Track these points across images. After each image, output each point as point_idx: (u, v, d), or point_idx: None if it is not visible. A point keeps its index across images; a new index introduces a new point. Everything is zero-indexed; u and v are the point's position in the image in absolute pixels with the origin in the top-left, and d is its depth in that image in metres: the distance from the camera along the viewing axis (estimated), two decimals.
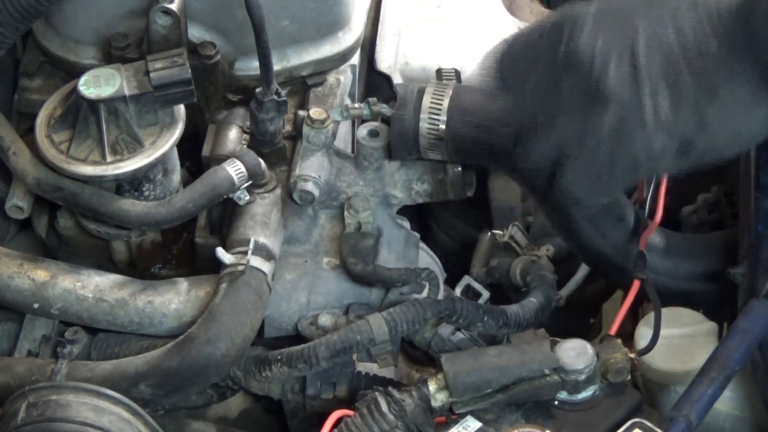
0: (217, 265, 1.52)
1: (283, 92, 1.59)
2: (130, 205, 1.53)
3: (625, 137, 1.32)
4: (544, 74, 1.35)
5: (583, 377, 1.38)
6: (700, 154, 1.32)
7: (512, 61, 1.39)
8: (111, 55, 1.64)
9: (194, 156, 1.66)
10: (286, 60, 1.70)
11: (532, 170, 1.39)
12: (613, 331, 1.47)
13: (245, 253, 1.50)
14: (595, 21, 1.33)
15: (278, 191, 1.60)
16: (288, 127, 1.66)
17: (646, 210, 1.57)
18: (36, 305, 1.52)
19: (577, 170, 1.35)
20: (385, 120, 1.63)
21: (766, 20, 1.27)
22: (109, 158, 1.52)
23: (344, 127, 1.74)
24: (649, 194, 1.60)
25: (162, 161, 1.54)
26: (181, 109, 1.56)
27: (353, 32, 1.76)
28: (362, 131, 1.64)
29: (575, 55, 1.32)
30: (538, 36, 1.37)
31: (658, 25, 1.30)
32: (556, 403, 1.40)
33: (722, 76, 1.28)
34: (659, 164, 1.34)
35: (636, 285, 1.49)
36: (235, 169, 1.54)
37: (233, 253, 1.51)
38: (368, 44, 1.86)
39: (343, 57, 1.76)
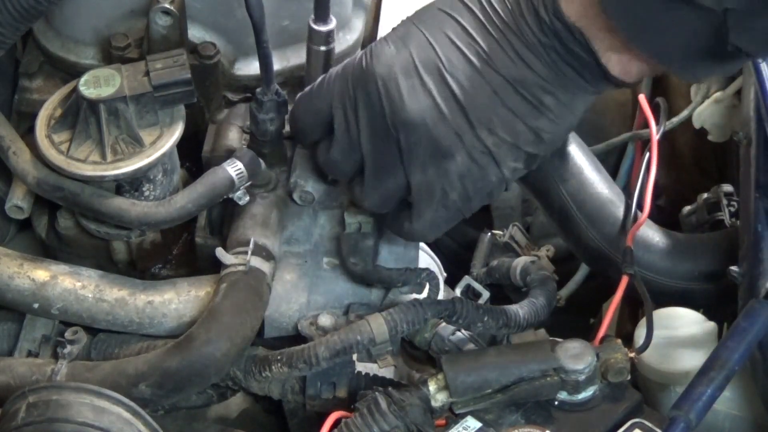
0: (217, 265, 1.52)
1: (283, 92, 1.59)
2: (130, 205, 1.53)
3: (477, 176, 1.37)
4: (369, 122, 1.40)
5: (583, 377, 1.38)
6: (543, 156, 1.40)
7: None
8: (111, 55, 1.63)
9: (194, 156, 1.66)
10: (286, 60, 1.69)
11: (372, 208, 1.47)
12: (604, 327, 1.46)
13: (245, 253, 1.50)
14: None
15: (278, 191, 1.60)
16: (288, 127, 1.66)
17: (634, 205, 1.57)
18: (36, 305, 1.52)
19: (429, 215, 1.42)
20: None
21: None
22: (109, 158, 1.52)
23: None
24: (637, 190, 1.60)
25: (162, 161, 1.54)
26: (181, 109, 1.56)
27: (353, 32, 1.76)
28: None
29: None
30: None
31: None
32: (556, 403, 1.40)
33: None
34: (511, 183, 1.42)
35: (625, 280, 1.49)
36: (235, 169, 1.54)
37: (233, 254, 1.51)
38: (368, 44, 1.85)
39: (343, 57, 1.75)
